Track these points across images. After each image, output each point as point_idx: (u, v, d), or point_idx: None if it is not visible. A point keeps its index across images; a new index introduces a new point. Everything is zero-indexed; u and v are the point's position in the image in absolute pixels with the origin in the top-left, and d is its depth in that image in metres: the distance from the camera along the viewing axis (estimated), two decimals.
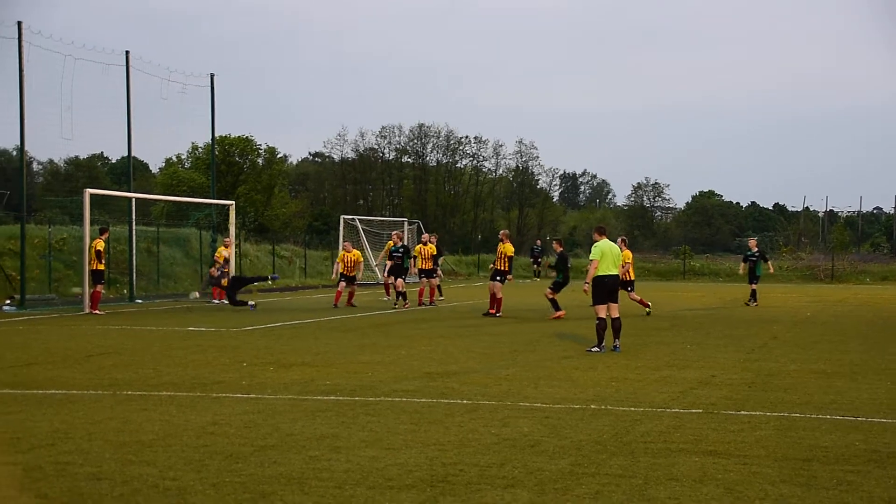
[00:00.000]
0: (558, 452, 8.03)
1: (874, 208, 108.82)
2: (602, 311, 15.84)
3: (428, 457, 7.88)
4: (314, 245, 53.56)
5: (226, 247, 29.31)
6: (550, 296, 23.41)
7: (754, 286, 29.11)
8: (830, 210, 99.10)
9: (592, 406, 10.35)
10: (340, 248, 33.50)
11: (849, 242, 72.76)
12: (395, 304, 27.59)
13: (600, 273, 15.83)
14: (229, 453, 7.97)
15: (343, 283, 28.27)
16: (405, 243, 30.13)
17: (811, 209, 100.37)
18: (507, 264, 25.02)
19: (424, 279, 29.09)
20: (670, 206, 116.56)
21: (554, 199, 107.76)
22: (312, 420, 9.55)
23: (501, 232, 26.61)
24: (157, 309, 26.97)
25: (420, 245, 29.84)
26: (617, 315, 15.96)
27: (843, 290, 41.35)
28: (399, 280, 27.79)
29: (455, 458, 7.84)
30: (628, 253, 24.23)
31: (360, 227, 45.09)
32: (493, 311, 24.17)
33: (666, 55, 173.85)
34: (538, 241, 52.12)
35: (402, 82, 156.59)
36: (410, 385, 11.97)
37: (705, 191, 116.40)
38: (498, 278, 24.81)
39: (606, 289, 15.87)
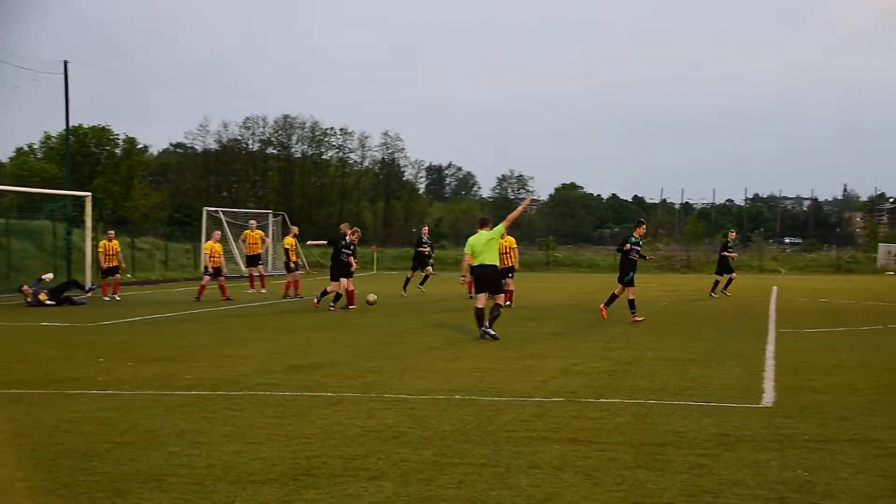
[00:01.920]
0: (422, 443, 8.06)
1: (726, 200, 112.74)
2: (481, 300, 16.41)
3: (291, 450, 7.80)
4: (176, 237, 52.39)
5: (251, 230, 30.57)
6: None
7: (721, 277, 29.32)
8: (686, 202, 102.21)
9: (456, 396, 10.42)
10: (205, 240, 32.87)
11: (703, 233, 75.19)
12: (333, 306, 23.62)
13: (474, 264, 16.35)
14: (83, 451, 7.73)
15: (208, 277, 27.72)
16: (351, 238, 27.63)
17: (668, 201, 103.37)
18: (515, 258, 25.08)
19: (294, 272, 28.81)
20: (534, 197, 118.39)
21: (420, 191, 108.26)
22: (172, 415, 9.35)
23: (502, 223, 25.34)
24: (7, 304, 25.94)
25: (290, 238, 29.62)
26: (499, 303, 16.54)
27: (698, 280, 42.67)
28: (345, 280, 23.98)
29: (319, 450, 7.78)
30: (511, 239, 24.63)
31: (223, 219, 44.29)
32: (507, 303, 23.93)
33: (528, 48, 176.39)
34: (425, 233, 52.02)
35: (266, 73, 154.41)
36: (274, 378, 11.83)
37: (568, 183, 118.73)
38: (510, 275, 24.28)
39: (481, 279, 16.37)
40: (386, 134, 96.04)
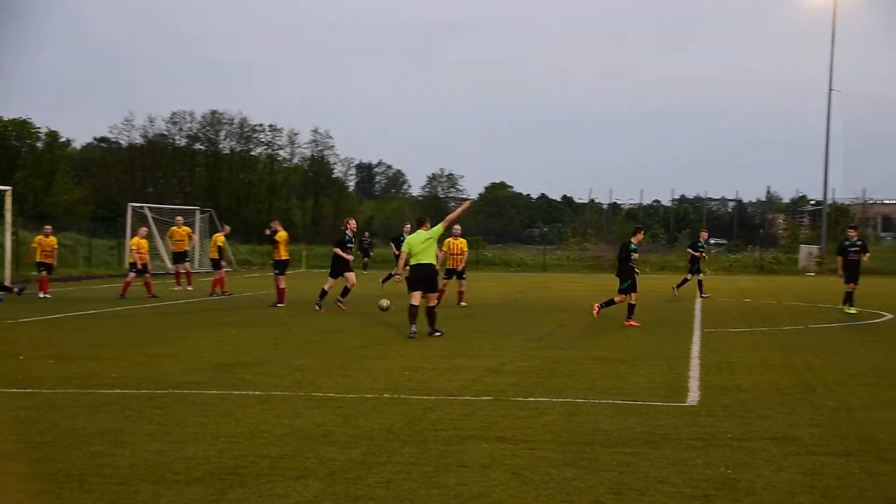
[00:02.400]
0: (350, 442, 8.02)
1: (653, 201, 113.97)
2: (416, 298, 16.48)
3: (217, 449, 7.71)
4: (100, 234, 51.46)
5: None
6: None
7: (699, 277, 28.94)
8: (614, 202, 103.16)
9: (385, 395, 10.39)
10: (130, 236, 32.35)
11: (630, 233, 76.02)
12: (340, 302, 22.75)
13: (411, 263, 16.54)
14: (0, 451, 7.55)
15: (133, 274, 27.27)
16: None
17: (596, 201, 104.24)
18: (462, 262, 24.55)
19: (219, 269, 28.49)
20: (464, 196, 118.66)
21: (350, 189, 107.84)
22: (95, 414, 9.18)
23: (456, 228, 24.18)
24: None
25: (217, 234, 29.28)
26: (432, 304, 16.57)
27: None
28: (351, 274, 23.17)
29: (246, 450, 7.70)
30: (464, 241, 24.65)
31: (149, 215, 43.65)
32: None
33: (455, 46, 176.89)
34: (367, 233, 51.55)
35: (194, 67, 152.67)
36: (201, 377, 11.68)
37: (497, 182, 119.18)
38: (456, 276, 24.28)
39: (417, 277, 16.49)
40: (315, 131, 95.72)
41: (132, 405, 9.68)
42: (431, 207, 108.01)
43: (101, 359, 13.34)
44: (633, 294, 19.44)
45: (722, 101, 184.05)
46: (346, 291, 22.75)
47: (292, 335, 16.88)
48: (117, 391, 10.57)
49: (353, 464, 7.28)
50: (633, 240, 20.23)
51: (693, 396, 10.44)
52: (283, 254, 24.33)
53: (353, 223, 23.25)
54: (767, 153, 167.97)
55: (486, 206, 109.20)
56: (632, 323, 18.99)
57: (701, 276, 29.00)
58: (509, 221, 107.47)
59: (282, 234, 24.28)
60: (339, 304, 22.45)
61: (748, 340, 16.41)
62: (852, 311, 22.22)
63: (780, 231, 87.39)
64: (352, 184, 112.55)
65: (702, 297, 28.09)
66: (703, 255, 29.57)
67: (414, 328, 16.31)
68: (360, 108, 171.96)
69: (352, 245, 23.07)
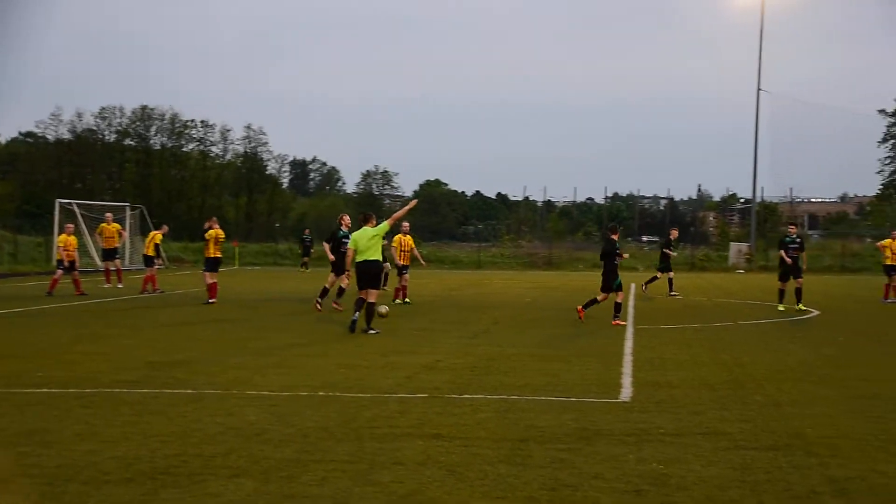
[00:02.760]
0: (285, 440, 7.96)
1: (587, 198, 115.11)
2: (362, 292, 16.80)
3: (149, 449, 7.60)
4: (26, 230, 50.45)
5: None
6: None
7: (669, 275, 28.94)
8: (548, 200, 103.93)
9: (320, 393, 10.33)
10: (58, 232, 31.74)
11: (564, 231, 76.62)
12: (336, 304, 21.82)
13: (357, 260, 16.81)
14: None
15: (61, 271, 26.79)
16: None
17: (531, 199, 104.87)
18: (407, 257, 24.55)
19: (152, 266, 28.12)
20: (399, 193, 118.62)
21: (284, 186, 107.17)
22: (21, 414, 9.00)
23: (405, 224, 24.38)
24: None
25: (155, 231, 28.90)
26: (371, 301, 16.71)
27: (560, 277, 43.55)
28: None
29: (178, 449, 7.60)
30: (410, 238, 24.78)
31: (78, 211, 42.90)
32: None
33: (390, 45, 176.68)
34: (307, 231, 50.97)
35: (122, 62, 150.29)
36: (132, 375, 11.50)
37: (432, 179, 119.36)
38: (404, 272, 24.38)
39: (363, 274, 16.77)
40: (248, 127, 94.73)
41: (60, 404, 9.50)
42: (367, 205, 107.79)
43: (27, 357, 13.08)
44: (619, 293, 19.36)
45: (653, 100, 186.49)
46: (341, 291, 22.08)
47: (226, 333, 16.71)
48: (44, 390, 10.37)
49: (287, 462, 7.23)
50: (615, 237, 19.88)
51: (626, 393, 10.54)
52: (213, 251, 23.97)
53: (347, 218, 22.48)
54: (699, 152, 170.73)
55: (421, 204, 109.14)
56: (619, 322, 18.76)
57: (671, 274, 29.04)
58: (444, 219, 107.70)
59: (211, 233, 23.95)
60: (336, 305, 21.57)
61: (680, 337, 16.62)
62: (781, 308, 22.54)
63: (711, 229, 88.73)
64: (286, 180, 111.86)
65: (671, 294, 28.21)
66: (674, 253, 29.76)
67: (356, 315, 16.68)
68: (295, 105, 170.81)
69: (347, 241, 22.26)
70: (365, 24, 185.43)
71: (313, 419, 8.87)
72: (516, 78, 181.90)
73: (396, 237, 24.27)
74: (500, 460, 7.33)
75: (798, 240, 23.74)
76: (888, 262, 27.07)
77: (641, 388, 10.78)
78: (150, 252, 28.32)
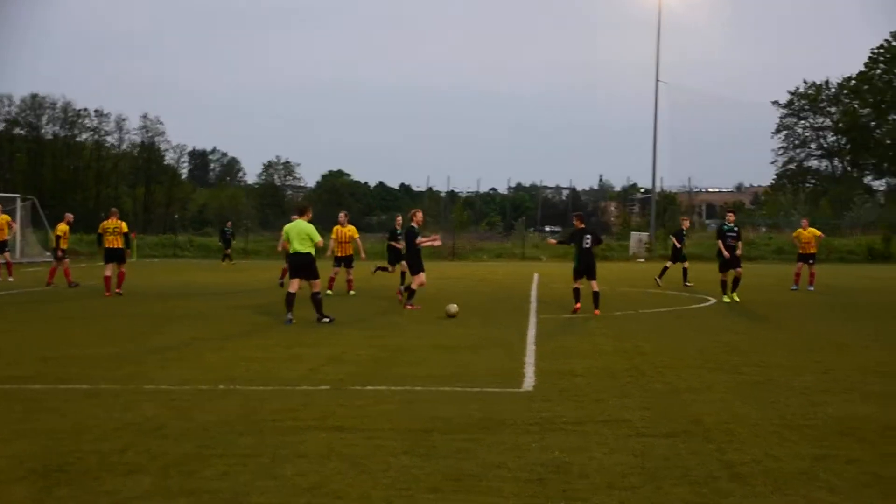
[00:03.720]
0: (184, 435, 7.81)
1: (490, 189, 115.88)
2: (294, 285, 17.21)
3: (42, 446, 7.38)
4: None
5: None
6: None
7: (684, 265, 28.68)
8: (452, 190, 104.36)
9: (221, 386, 10.17)
10: None
11: (468, 221, 77.05)
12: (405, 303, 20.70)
13: (290, 251, 17.16)
14: None
15: None
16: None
17: (434, 189, 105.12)
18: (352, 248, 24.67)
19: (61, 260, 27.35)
20: (301, 184, 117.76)
21: (183, 177, 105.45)
22: None
23: (342, 215, 24.82)
24: None
25: (63, 224, 28.04)
26: (315, 290, 17.11)
27: (464, 267, 43.73)
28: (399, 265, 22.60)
29: (72, 445, 7.40)
30: (353, 228, 24.98)
31: None
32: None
33: (292, 35, 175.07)
34: (229, 223, 49.83)
35: (12, 48, 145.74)
36: (23, 371, 11.18)
37: (335, 170, 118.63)
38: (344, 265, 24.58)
39: (295, 266, 17.14)
40: (145, 117, 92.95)
41: None
42: (268, 196, 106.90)
43: None
44: (594, 282, 19.56)
45: (555, 90, 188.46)
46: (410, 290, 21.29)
47: (124, 327, 16.36)
48: None
49: (187, 457, 7.09)
50: (581, 225, 20.12)
51: (529, 382, 10.61)
52: (111, 243, 23.54)
53: (419, 215, 21.54)
54: (601, 142, 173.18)
55: (324, 195, 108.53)
56: (595, 312, 18.94)
57: (686, 264, 28.82)
58: (347, 210, 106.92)
59: (108, 224, 23.77)
60: (404, 301, 20.82)
61: (582, 326, 16.82)
62: (727, 299, 22.17)
63: (613, 219, 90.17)
64: (185, 171, 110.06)
65: (686, 285, 27.96)
66: (679, 245, 29.19)
67: (290, 315, 16.87)
68: (193, 95, 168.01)
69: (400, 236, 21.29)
70: (262, 13, 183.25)
71: (214, 413, 8.73)
72: (419, 68, 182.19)
73: (334, 228, 24.36)
74: (403, 451, 7.30)
75: (736, 228, 23.08)
76: (802, 251, 27.73)
77: (544, 378, 10.87)
78: (65, 245, 27.54)
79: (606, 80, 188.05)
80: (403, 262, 23.22)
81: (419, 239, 20.36)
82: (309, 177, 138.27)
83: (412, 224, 20.87)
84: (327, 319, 16.82)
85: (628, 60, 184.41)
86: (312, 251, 17.11)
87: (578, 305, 19.31)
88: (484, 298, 23.92)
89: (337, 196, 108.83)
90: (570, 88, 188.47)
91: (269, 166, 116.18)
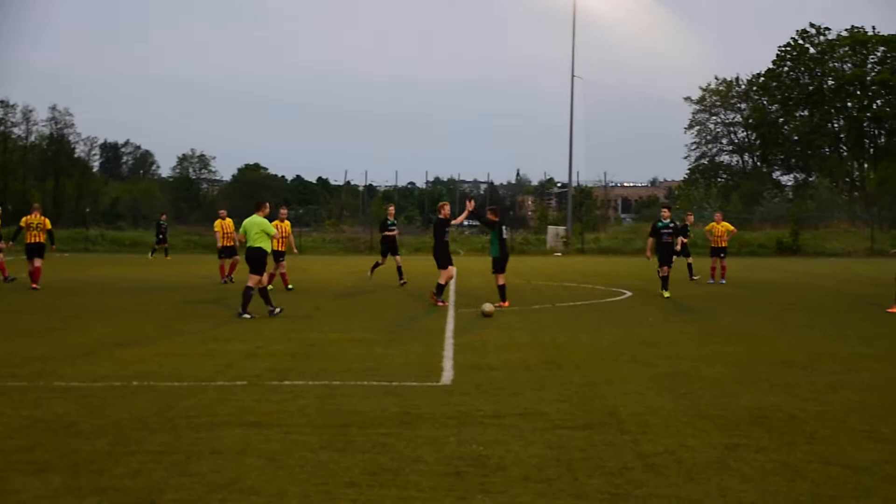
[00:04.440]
0: (96, 432, 7.65)
1: (408, 183, 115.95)
2: (253, 280, 17.43)
3: None
4: None
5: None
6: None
7: (688, 260, 28.81)
8: (370, 184, 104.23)
9: (134, 383, 9.99)
10: None
11: (386, 215, 76.89)
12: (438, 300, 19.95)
13: (247, 245, 17.60)
14: None
15: None
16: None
17: (352, 183, 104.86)
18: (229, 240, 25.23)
19: None
20: (217, 178, 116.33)
21: (94, 170, 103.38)
22: None
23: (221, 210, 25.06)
24: None
25: None
26: (249, 285, 17.32)
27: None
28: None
29: None
30: (288, 223, 24.62)
31: None
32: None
33: (204, 26, 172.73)
34: (164, 216, 48.61)
35: None
36: None
37: (251, 164, 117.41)
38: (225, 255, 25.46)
39: (251, 259, 17.53)
40: (54, 108, 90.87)
41: None
42: (183, 189, 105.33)
43: None
44: (500, 275, 19.84)
45: (474, 85, 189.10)
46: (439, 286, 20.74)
47: (32, 323, 15.97)
48: None
49: (99, 455, 6.94)
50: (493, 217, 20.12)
51: (447, 376, 10.63)
52: (34, 238, 23.74)
53: (447, 208, 20.82)
54: (518, 137, 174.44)
55: (241, 189, 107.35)
56: (504, 304, 19.31)
57: (690, 259, 28.94)
58: (262, 202, 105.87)
59: (30, 219, 23.74)
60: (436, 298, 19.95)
61: (500, 320, 16.91)
62: (667, 294, 22.00)
63: (530, 213, 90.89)
64: (96, 164, 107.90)
65: (692, 279, 28.26)
66: (686, 240, 28.89)
67: (276, 308, 17.52)
68: (105, 87, 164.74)
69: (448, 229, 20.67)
70: (177, 2, 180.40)
71: (127, 410, 8.57)
72: (335, 60, 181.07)
73: (273, 223, 24.13)
74: (321, 446, 7.26)
75: (671, 224, 22.86)
76: (714, 245, 28.30)
77: (462, 371, 10.90)
78: None
79: (525, 75, 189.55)
80: (397, 257, 24.47)
81: (458, 218, 21.24)
82: (225, 170, 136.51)
83: (439, 216, 20.65)
84: (248, 316, 16.86)
85: (546, 56, 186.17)
86: (266, 246, 17.53)
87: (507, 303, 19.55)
88: (402, 293, 23.89)
89: (253, 190, 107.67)
90: (488, 83, 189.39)
91: (183, 159, 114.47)
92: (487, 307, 17.59)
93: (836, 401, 9.15)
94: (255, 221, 17.60)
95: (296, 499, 5.99)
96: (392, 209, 28.09)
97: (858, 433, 7.75)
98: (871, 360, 11.95)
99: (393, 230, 26.44)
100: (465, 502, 5.92)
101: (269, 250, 17.70)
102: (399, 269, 26.39)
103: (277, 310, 17.47)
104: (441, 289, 19.90)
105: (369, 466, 6.70)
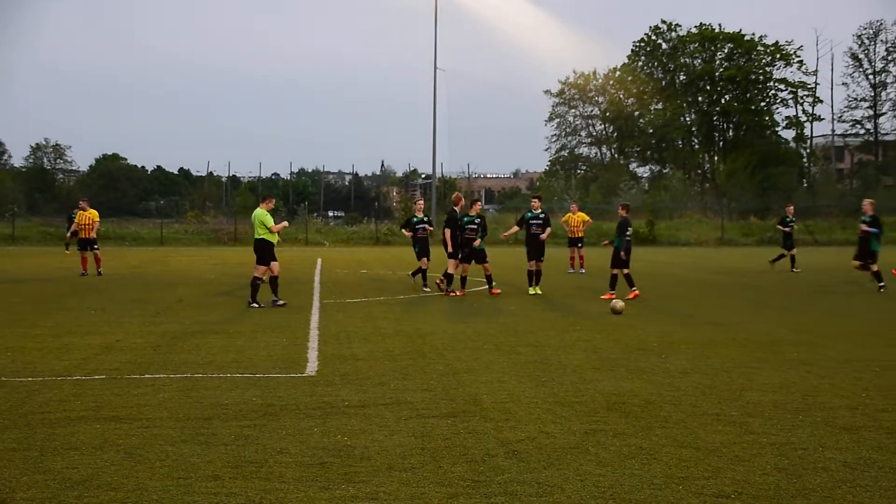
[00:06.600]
0: None
1: (273, 174, 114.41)
2: (259, 270, 17.84)
3: None
4: None
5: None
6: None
7: (793, 252, 28.97)
8: (233, 175, 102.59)
9: None
10: None
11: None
12: (446, 289, 20.58)
13: (254, 237, 18.23)
14: None
15: None
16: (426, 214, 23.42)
17: (215, 174, 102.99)
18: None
19: None
20: (73, 168, 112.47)
21: None
22: None
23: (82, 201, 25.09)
24: None
25: None
26: (256, 275, 17.77)
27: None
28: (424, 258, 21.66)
29: None
30: (94, 212, 25.20)
31: None
32: None
33: (61, 9, 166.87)
34: (75, 210, 46.00)
35: None
36: None
37: (110, 154, 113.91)
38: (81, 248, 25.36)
39: (255, 250, 18.06)
40: None
41: None
42: (38, 180, 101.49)
43: None
44: (465, 265, 20.71)
45: (337, 75, 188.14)
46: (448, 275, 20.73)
47: None
48: None
49: None
50: (471, 211, 20.82)
51: (312, 367, 10.60)
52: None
53: (464, 201, 21.16)
54: (382, 128, 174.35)
55: (98, 179, 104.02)
56: (451, 293, 20.35)
57: (794, 251, 29.25)
58: (124, 194, 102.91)
59: None
60: (444, 287, 20.83)
61: (365, 310, 16.93)
62: (532, 291, 20.80)
63: (395, 204, 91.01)
64: None
65: (794, 271, 28.44)
66: (790, 229, 29.47)
67: (279, 300, 17.65)
68: None
69: (473, 226, 20.50)
70: None
71: None
72: (199, 50, 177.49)
73: (76, 212, 23.97)
74: (182, 440, 7.15)
75: (542, 215, 21.38)
76: (571, 235, 29.03)
77: (327, 362, 10.89)
78: None
79: (389, 65, 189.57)
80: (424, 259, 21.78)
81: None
82: (81, 160, 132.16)
83: (454, 209, 20.81)
84: (256, 305, 17.33)
85: (411, 47, 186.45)
86: (267, 237, 17.83)
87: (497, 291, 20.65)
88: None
89: (112, 180, 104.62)
90: (353, 74, 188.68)
91: (37, 149, 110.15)
92: (618, 304, 16.54)
93: (688, 385, 9.50)
94: (258, 214, 17.97)
95: (155, 493, 5.89)
96: (421, 204, 24.52)
97: (709, 416, 8.07)
98: (720, 345, 12.44)
99: (427, 228, 22.61)
100: (330, 493, 5.93)
101: (273, 242, 17.95)
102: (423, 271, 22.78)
103: (281, 302, 17.63)
104: (450, 279, 20.68)
105: (232, 459, 6.64)
